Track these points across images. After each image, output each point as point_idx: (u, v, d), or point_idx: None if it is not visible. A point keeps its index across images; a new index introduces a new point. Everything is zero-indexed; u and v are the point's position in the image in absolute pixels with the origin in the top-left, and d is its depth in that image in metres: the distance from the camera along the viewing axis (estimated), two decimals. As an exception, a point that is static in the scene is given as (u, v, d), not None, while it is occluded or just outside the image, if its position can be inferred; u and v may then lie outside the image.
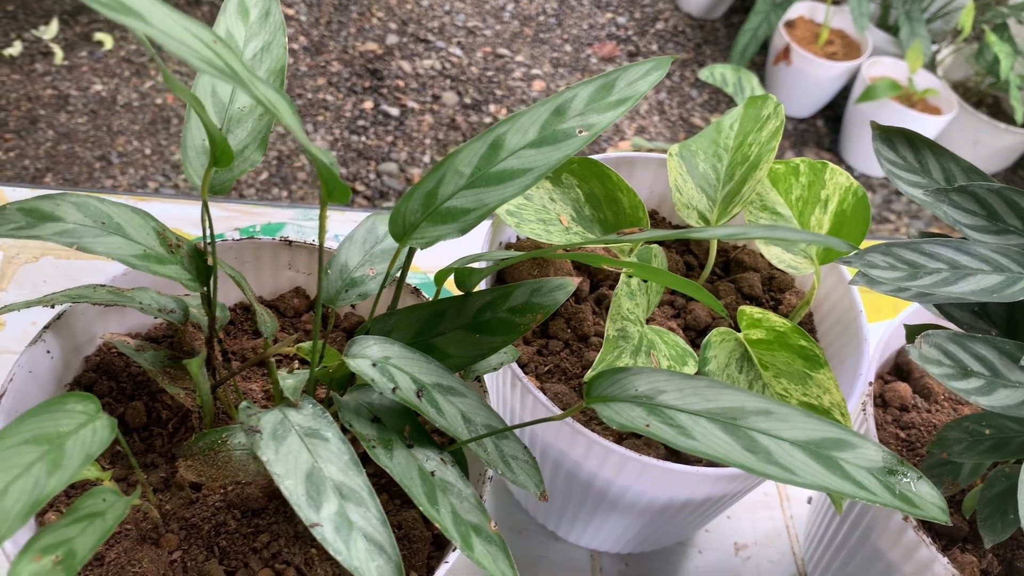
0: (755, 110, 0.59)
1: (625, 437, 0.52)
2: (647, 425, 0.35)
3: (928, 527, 0.50)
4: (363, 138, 2.23)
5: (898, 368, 0.59)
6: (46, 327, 0.47)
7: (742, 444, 0.35)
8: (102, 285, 0.47)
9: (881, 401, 0.56)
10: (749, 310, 0.51)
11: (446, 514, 0.38)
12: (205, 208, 0.40)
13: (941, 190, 0.43)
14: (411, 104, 2.33)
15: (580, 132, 0.40)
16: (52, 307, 0.45)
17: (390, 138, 2.24)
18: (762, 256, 0.63)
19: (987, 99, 2.38)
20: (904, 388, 0.56)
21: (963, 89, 2.36)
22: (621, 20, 2.68)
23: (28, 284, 0.74)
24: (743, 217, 0.57)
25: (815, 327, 0.60)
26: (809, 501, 0.69)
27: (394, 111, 2.30)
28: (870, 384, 0.53)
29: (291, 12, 2.53)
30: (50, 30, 2.33)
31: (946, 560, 0.46)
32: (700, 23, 2.67)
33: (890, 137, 0.48)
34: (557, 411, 0.49)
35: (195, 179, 0.41)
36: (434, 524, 0.47)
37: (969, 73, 2.40)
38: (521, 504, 0.66)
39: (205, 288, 0.43)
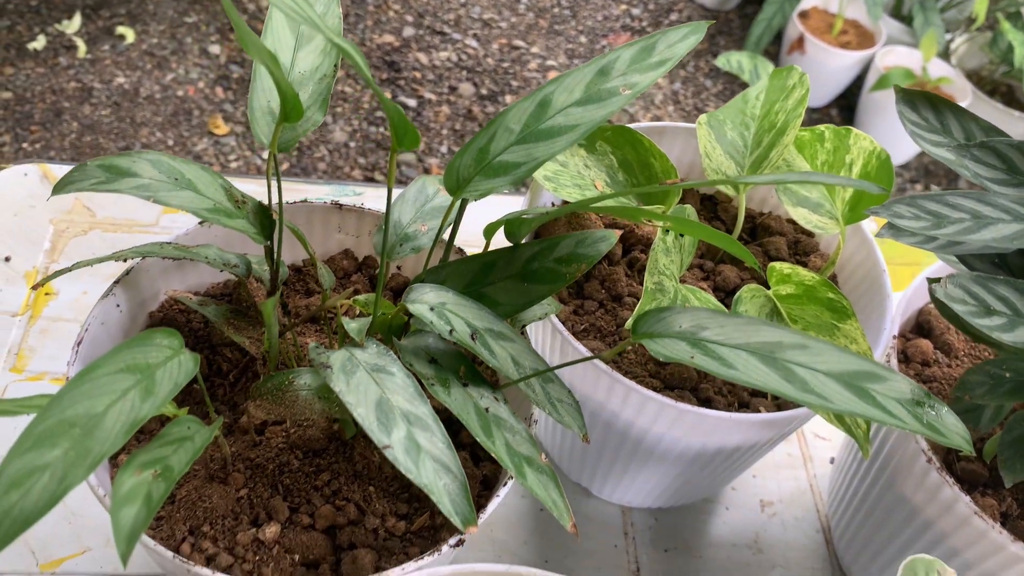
0: (780, 81, 0.62)
1: (660, 389, 0.54)
2: (691, 357, 0.38)
3: (950, 471, 0.53)
4: (381, 129, 2.26)
5: (919, 326, 0.61)
6: (116, 282, 0.50)
7: (780, 375, 0.38)
8: (168, 243, 0.50)
9: (904, 356, 0.59)
10: (779, 266, 0.53)
11: (500, 446, 0.41)
12: (274, 162, 0.43)
13: (963, 146, 0.46)
14: (428, 95, 2.36)
15: (624, 91, 0.43)
16: (124, 261, 0.48)
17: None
18: (788, 221, 0.66)
19: (1001, 87, 2.39)
20: (926, 344, 0.59)
21: (977, 78, 2.37)
22: (635, 11, 2.70)
23: (78, 256, 0.77)
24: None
25: (840, 288, 0.63)
26: (831, 461, 0.72)
27: (411, 102, 2.33)
28: (894, 338, 0.55)
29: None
30: (73, 24, 2.37)
31: (968, 498, 0.49)
32: (714, 14, 2.69)
33: (912, 100, 0.51)
34: (601, 365, 0.52)
35: (262, 138, 0.44)
36: (481, 466, 0.50)
37: (983, 61, 2.41)
38: (555, 462, 0.68)
39: (269, 242, 0.46)
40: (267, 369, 0.48)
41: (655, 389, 0.54)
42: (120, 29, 2.37)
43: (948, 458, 0.54)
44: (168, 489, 0.34)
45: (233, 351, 0.52)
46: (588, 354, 0.52)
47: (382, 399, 0.38)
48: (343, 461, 0.48)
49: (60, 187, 0.42)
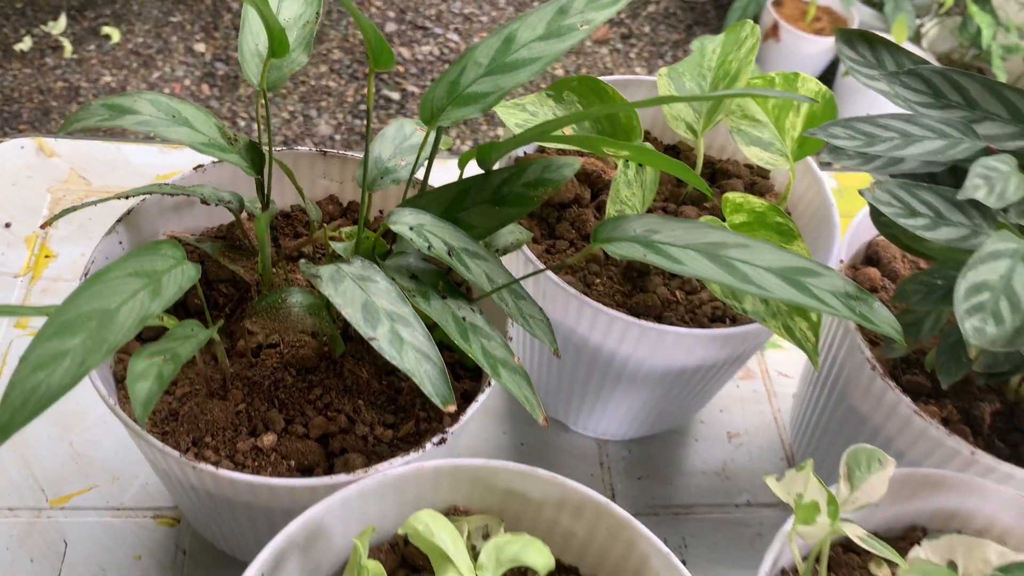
0: (735, 34, 0.66)
1: (623, 305, 0.59)
2: (644, 255, 0.42)
3: (895, 381, 0.57)
4: (366, 122, 2.29)
5: (868, 258, 0.66)
6: (118, 220, 0.54)
7: (724, 269, 0.42)
8: (167, 183, 0.54)
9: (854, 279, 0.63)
10: (732, 196, 0.58)
11: (477, 349, 0.45)
12: (263, 98, 0.47)
13: (893, 74, 0.50)
14: (411, 88, 2.40)
15: (582, 26, 0.47)
16: (127, 199, 0.51)
17: (392, 121, 2.32)
18: (745, 166, 0.70)
19: (972, 70, 2.45)
20: (874, 272, 0.63)
21: (948, 61, 2.42)
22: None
23: (75, 222, 0.80)
24: (725, 125, 0.64)
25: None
26: (794, 396, 0.76)
27: (395, 95, 2.37)
28: (841, 262, 0.60)
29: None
30: (58, 25, 2.40)
31: (908, 399, 0.53)
32: (691, 5, 2.74)
33: (851, 39, 0.55)
34: (566, 286, 0.56)
35: (252, 77, 0.48)
36: (462, 382, 0.54)
37: (953, 45, 2.47)
38: (534, 401, 0.72)
39: (259, 175, 0.50)
40: (263, 291, 0.52)
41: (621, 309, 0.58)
42: (105, 29, 2.41)
43: (895, 372, 0.59)
44: (175, 370, 0.38)
45: (228, 287, 0.56)
46: (558, 280, 0.56)
47: (367, 301, 0.42)
48: (333, 377, 0.52)
49: (68, 125, 0.46)
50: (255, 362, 0.52)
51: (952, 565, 0.46)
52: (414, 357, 0.40)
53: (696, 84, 0.66)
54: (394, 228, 0.46)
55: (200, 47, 2.44)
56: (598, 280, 0.62)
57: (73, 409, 0.68)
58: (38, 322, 0.73)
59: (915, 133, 0.48)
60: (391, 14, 2.63)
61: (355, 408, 0.51)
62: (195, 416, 0.50)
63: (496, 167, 0.50)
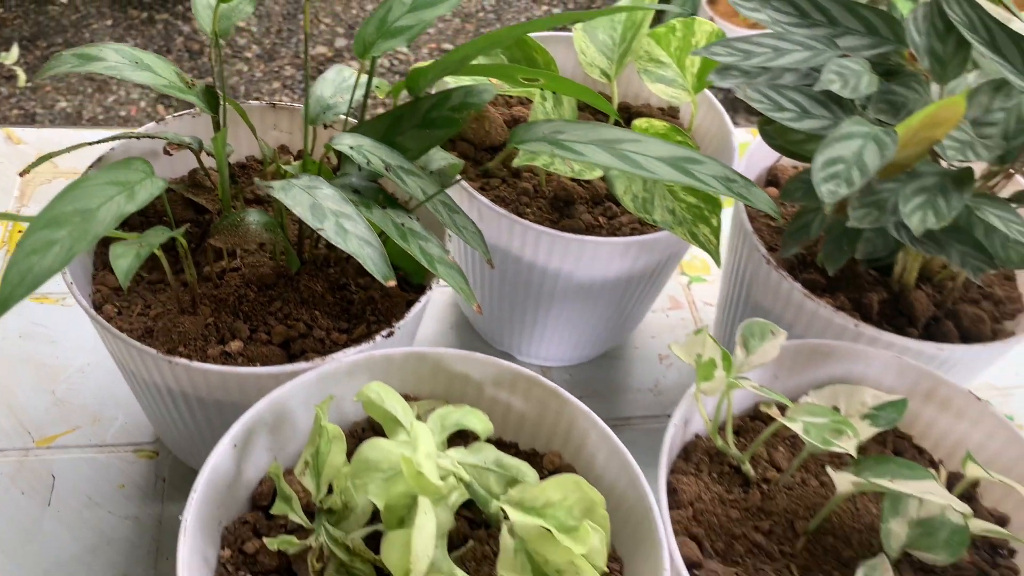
0: (641, -9, 0.74)
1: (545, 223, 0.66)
2: (551, 150, 0.49)
3: (793, 278, 0.65)
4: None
5: (768, 181, 0.74)
6: (91, 166, 0.60)
7: (618, 158, 0.49)
8: (135, 131, 0.60)
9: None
10: (638, 121, 0.65)
11: (415, 248, 0.52)
12: (216, 43, 0.54)
13: (764, 0, 0.58)
14: (363, 100, 2.47)
15: (490, -33, 0.54)
16: (97, 144, 0.57)
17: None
18: (659, 109, 0.78)
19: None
20: (772, 191, 0.71)
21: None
22: (556, 11, 2.84)
23: (45, 201, 0.86)
24: (634, 67, 0.72)
25: (703, 157, 0.75)
26: (716, 307, 0.84)
27: (348, 107, 2.43)
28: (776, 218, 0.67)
29: (242, 24, 2.65)
30: (11, 55, 2.44)
31: (799, 285, 0.61)
32: (628, 8, 2.84)
33: (733, -21, 0.63)
34: (498, 207, 0.63)
35: (205, 24, 0.55)
36: (407, 291, 0.60)
37: None
38: (481, 335, 0.79)
39: (215, 114, 0.56)
40: (224, 212, 0.58)
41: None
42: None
43: (793, 272, 0.66)
44: (149, 251, 0.44)
45: (194, 226, 0.62)
46: (489, 203, 0.63)
47: (315, 203, 0.49)
48: (291, 292, 0.58)
49: (44, 72, 0.52)
50: (220, 283, 0.58)
51: (835, 409, 0.53)
52: (357, 242, 0.47)
53: (608, 35, 0.73)
54: (336, 147, 0.52)
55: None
56: (528, 210, 0.69)
57: (54, 363, 0.74)
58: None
59: (784, 47, 0.56)
60: (340, 30, 2.70)
61: (312, 317, 0.57)
62: (168, 330, 0.56)
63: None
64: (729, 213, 0.86)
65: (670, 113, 0.77)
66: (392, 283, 0.47)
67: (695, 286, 0.87)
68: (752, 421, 0.59)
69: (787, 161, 0.75)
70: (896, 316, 0.65)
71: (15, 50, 2.46)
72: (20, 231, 0.83)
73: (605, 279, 0.66)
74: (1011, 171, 0.63)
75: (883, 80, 0.57)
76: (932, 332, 0.64)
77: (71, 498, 0.66)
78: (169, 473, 0.68)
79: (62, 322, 0.77)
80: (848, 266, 0.67)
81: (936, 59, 0.57)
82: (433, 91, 0.58)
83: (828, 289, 0.66)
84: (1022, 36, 0.54)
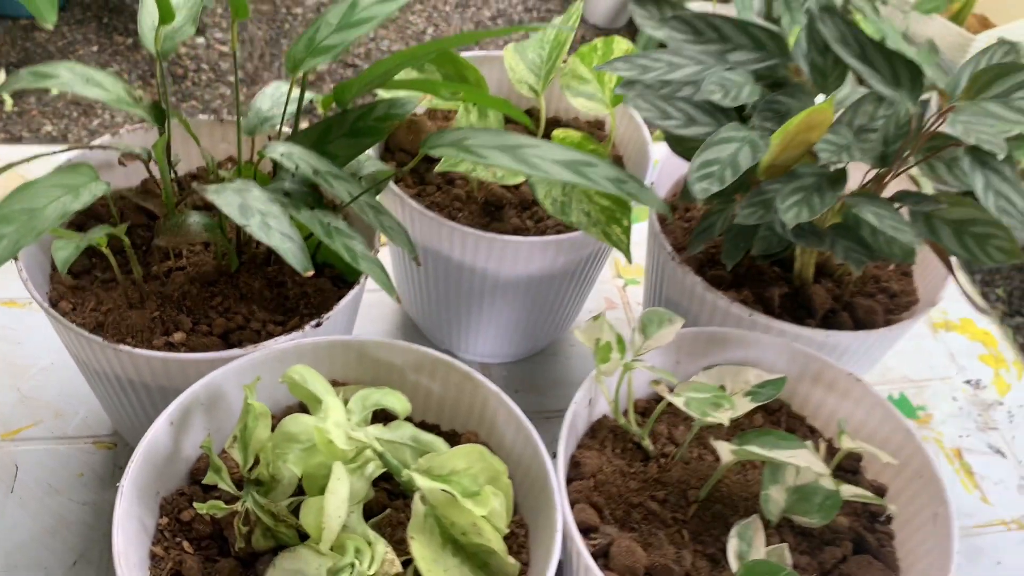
0: (567, 17, 0.80)
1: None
2: (458, 154, 0.55)
3: (702, 277, 0.70)
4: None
5: (684, 191, 0.79)
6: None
7: (519, 161, 0.55)
8: (92, 143, 0.65)
9: (672, 206, 0.77)
10: (557, 131, 0.71)
11: (340, 244, 0.57)
12: (159, 62, 0.59)
13: (663, 19, 0.64)
14: (343, 121, 2.53)
15: (409, -8, 0.60)
16: (59, 154, 0.63)
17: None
18: (586, 123, 0.84)
19: (860, 73, 2.64)
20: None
21: (838, 66, 2.62)
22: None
23: (18, 215, 0.91)
24: (559, 83, 0.78)
25: (623, 165, 0.80)
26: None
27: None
28: (651, 184, 0.73)
29: (224, 49, 2.71)
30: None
31: (700, 279, 0.66)
32: (604, 31, 2.92)
33: (643, 1, 0.69)
34: (428, 211, 0.68)
35: (149, 45, 0.60)
36: (342, 288, 0.65)
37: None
38: (425, 335, 0.84)
39: (161, 126, 0.62)
40: (168, 215, 0.63)
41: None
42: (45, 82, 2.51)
43: (701, 270, 0.72)
44: (87, 244, 0.50)
45: (144, 231, 0.68)
46: (415, 204, 0.69)
47: (243, 203, 0.54)
48: (231, 288, 0.63)
49: (5, 87, 0.58)
50: (166, 281, 0.64)
51: (722, 388, 0.59)
52: (279, 237, 0.52)
53: (537, 55, 0.79)
54: (268, 155, 0.58)
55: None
56: (460, 214, 0.74)
57: (20, 363, 0.79)
58: (-14, 298, 0.84)
59: (679, 62, 0.62)
60: (321, 54, 2.76)
61: (250, 311, 0.62)
62: (117, 323, 0.61)
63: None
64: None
65: (597, 126, 0.83)
66: (310, 273, 0.52)
67: (630, 288, 0.93)
68: (658, 403, 0.64)
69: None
70: (797, 308, 0.70)
71: (1, 75, 2.52)
72: (-8, 241, 0.88)
73: (530, 276, 0.72)
74: (896, 173, 0.69)
75: (769, 91, 0.63)
76: (830, 323, 0.70)
77: (33, 485, 0.71)
78: (126, 462, 0.73)
79: (29, 325, 0.82)
80: (753, 263, 0.72)
81: (817, 71, 0.62)
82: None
83: (734, 285, 0.71)
84: (891, 50, 0.60)
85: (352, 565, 0.47)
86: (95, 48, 2.64)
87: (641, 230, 0.93)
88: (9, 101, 2.44)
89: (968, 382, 0.89)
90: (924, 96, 0.63)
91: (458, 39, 0.57)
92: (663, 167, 0.76)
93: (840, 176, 0.60)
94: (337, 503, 0.49)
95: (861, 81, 0.67)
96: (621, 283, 0.93)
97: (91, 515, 0.69)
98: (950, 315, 0.96)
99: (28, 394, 0.77)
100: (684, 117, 0.59)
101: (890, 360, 0.90)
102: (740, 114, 0.62)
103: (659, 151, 0.77)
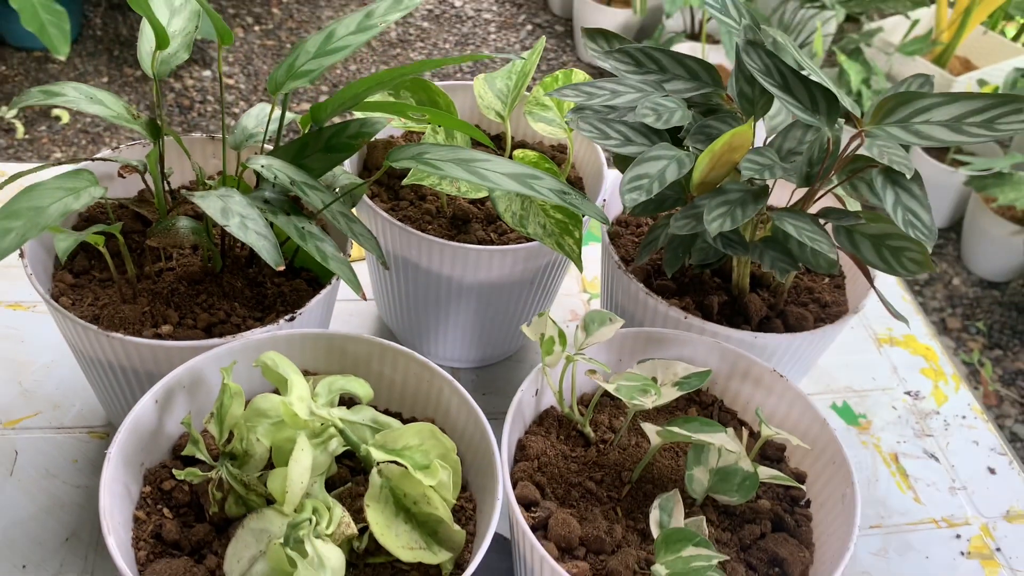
0: (535, 50, 0.87)
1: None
2: (416, 165, 0.62)
3: (649, 287, 0.76)
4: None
5: (640, 205, 0.86)
6: (54, 186, 0.72)
7: (470, 172, 0.62)
8: (94, 157, 0.72)
9: (624, 223, 0.84)
10: (516, 152, 0.78)
11: (312, 247, 0.64)
12: (156, 82, 0.66)
13: (608, 51, 0.71)
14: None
15: (380, 23, 0.68)
16: (63, 164, 0.70)
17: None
18: (550, 146, 0.91)
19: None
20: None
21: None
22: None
23: (25, 227, 0.98)
24: (523, 109, 0.85)
25: (582, 185, 0.87)
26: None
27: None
28: (604, 201, 0.80)
29: (231, 82, 2.81)
30: (11, 110, 2.59)
31: (642, 286, 0.73)
32: (596, 72, 3.01)
33: (593, 35, 0.76)
34: (400, 224, 0.75)
35: (147, 67, 0.67)
36: (316, 289, 0.72)
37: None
38: (399, 339, 0.91)
39: (156, 140, 0.69)
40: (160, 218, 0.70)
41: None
42: (56, 111, 2.61)
43: (648, 280, 0.78)
44: (84, 237, 0.56)
45: (139, 236, 0.74)
46: (386, 215, 0.75)
47: (225, 207, 0.61)
48: (215, 287, 0.70)
49: (15, 104, 0.65)
50: (157, 280, 0.70)
51: (654, 379, 0.65)
52: (255, 236, 0.59)
53: (504, 84, 0.87)
54: (250, 166, 0.65)
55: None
56: (430, 227, 0.81)
57: (23, 359, 0.85)
58: (-7, 302, 0.90)
59: (620, 90, 0.69)
60: (324, 88, 2.86)
61: (231, 307, 0.69)
62: (111, 316, 0.67)
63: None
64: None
65: (560, 149, 0.90)
66: (281, 267, 0.58)
67: (594, 302, 0.99)
68: (603, 397, 0.71)
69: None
70: (735, 315, 0.77)
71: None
72: None
73: (492, 284, 0.78)
74: (821, 192, 0.75)
75: (703, 116, 0.70)
76: (764, 329, 0.76)
77: (31, 469, 0.77)
78: (117, 451, 0.79)
79: (32, 326, 0.88)
80: (697, 274, 0.79)
81: (746, 99, 0.70)
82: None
83: (678, 293, 0.78)
84: (810, 79, 0.67)
85: (310, 520, 0.53)
86: (105, 79, 2.73)
87: (598, 248, 1.00)
88: (21, 129, 2.54)
89: (908, 393, 0.95)
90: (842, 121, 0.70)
91: (419, 65, 0.64)
92: (616, 184, 0.83)
93: (763, 192, 0.66)
94: (300, 470, 0.55)
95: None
96: (586, 297, 1.00)
97: (83, 497, 0.76)
98: (895, 332, 1.02)
99: (29, 388, 0.83)
100: (622, 138, 0.66)
101: (835, 371, 0.97)
102: (675, 137, 0.69)
103: (617, 174, 0.84)
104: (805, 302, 0.79)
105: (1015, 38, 2.85)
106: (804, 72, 0.67)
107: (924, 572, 0.80)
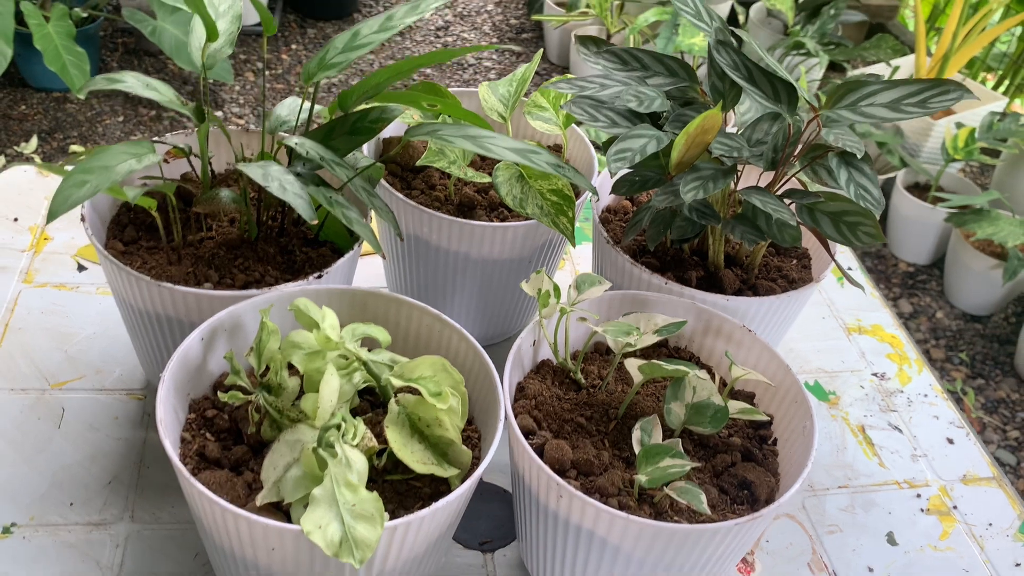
0: (534, 60, 0.98)
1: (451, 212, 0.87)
2: (429, 136, 0.71)
3: (635, 261, 0.86)
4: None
5: (615, 185, 0.96)
6: (109, 166, 0.82)
7: (477, 145, 0.71)
8: (145, 140, 0.82)
9: (614, 210, 0.93)
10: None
11: (339, 211, 0.73)
12: (204, 74, 0.77)
13: (598, 52, 0.82)
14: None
15: (399, 24, 0.78)
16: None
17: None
18: (548, 146, 1.01)
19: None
20: (627, 203, 0.93)
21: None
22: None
23: (67, 219, 1.07)
24: (522, 111, 0.95)
25: (577, 179, 0.97)
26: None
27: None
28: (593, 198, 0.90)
29: (241, 122, 2.93)
30: (30, 146, 2.71)
31: (628, 257, 0.82)
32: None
33: (584, 41, 0.87)
34: (413, 203, 0.85)
35: (196, 61, 0.78)
36: (338, 257, 0.81)
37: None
38: (408, 321, 1.00)
39: (202, 122, 0.79)
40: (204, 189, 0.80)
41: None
42: (73, 147, 2.72)
43: (636, 257, 0.88)
44: (148, 190, 0.66)
45: (184, 211, 0.84)
46: (404, 198, 0.85)
47: (266, 172, 0.70)
48: (251, 252, 0.79)
49: (85, 88, 0.75)
50: (199, 247, 0.80)
51: (636, 328, 0.74)
52: (293, 195, 0.68)
53: (506, 90, 0.97)
54: (285, 143, 0.75)
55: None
56: (439, 212, 0.90)
57: (68, 331, 0.94)
58: (39, 278, 0.99)
59: (608, 84, 0.79)
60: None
61: (265, 270, 0.78)
62: (159, 275, 0.76)
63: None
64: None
65: (556, 149, 1.00)
66: (315, 221, 0.68)
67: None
68: (592, 353, 0.79)
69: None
70: (711, 288, 0.86)
71: (34, 141, 2.73)
72: (45, 238, 1.04)
73: (495, 260, 0.87)
74: (785, 175, 0.85)
75: (680, 107, 0.80)
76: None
77: (76, 423, 0.85)
78: (153, 410, 0.87)
79: (76, 304, 0.97)
80: (678, 253, 0.88)
81: (717, 91, 0.80)
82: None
83: (660, 269, 0.87)
84: (772, 72, 0.77)
85: (338, 427, 0.61)
86: (120, 119, 2.86)
87: (589, 248, 1.09)
88: (38, 159, 2.64)
89: (875, 374, 1.04)
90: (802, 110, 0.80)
91: (431, 57, 0.74)
92: (605, 179, 0.93)
93: (731, 170, 0.76)
94: (330, 390, 0.64)
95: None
96: (579, 289, 1.09)
97: (124, 448, 0.84)
98: (863, 322, 1.11)
99: (73, 355, 0.91)
100: (608, 121, 0.76)
101: (808, 355, 1.05)
102: (655, 123, 0.79)
103: (606, 174, 0.94)
104: (774, 278, 0.88)
105: (995, 88, 2.99)
106: (766, 67, 0.78)
107: (887, 526, 0.87)
